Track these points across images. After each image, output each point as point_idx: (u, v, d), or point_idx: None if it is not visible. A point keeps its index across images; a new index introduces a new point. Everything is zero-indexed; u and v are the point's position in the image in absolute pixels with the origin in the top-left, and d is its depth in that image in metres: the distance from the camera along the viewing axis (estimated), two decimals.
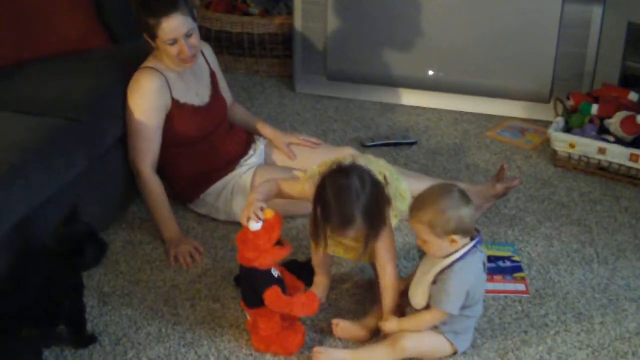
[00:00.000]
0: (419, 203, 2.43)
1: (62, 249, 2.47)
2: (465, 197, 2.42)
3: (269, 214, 2.49)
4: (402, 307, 2.59)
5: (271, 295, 2.48)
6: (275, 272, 2.55)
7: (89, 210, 2.75)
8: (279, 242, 2.51)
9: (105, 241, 2.60)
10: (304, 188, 2.59)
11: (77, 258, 2.49)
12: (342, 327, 2.60)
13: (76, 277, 2.56)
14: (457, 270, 2.40)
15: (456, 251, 2.41)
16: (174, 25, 2.95)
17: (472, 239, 2.44)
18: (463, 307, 2.44)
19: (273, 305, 2.49)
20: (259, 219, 2.46)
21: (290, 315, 2.55)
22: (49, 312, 2.47)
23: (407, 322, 2.50)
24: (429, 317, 2.47)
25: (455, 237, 2.38)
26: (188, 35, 2.99)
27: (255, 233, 2.46)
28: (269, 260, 2.50)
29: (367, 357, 2.51)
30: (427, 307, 2.46)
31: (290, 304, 2.50)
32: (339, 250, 2.69)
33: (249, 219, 2.46)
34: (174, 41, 2.97)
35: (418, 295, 2.48)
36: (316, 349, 2.52)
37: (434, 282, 2.43)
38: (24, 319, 2.39)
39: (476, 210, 2.87)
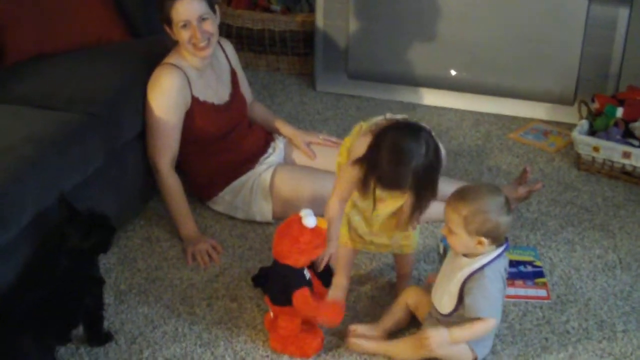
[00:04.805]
0: (463, 194, 2.38)
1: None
2: (508, 206, 2.37)
3: (323, 223, 2.48)
4: (422, 315, 2.58)
5: (300, 296, 2.46)
6: (307, 274, 2.53)
7: (106, 206, 2.74)
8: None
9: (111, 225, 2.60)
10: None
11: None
12: (359, 332, 2.58)
13: (96, 271, 2.56)
14: (490, 274, 2.37)
15: (483, 255, 2.38)
16: (187, 6, 2.92)
17: (499, 244, 2.41)
18: None
19: (300, 307, 2.47)
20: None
21: (311, 319, 2.53)
22: (67, 309, 2.46)
23: (459, 331, 2.41)
24: (482, 325, 2.39)
25: (484, 239, 2.35)
26: (202, 20, 2.96)
27: (302, 230, 2.43)
28: (304, 259, 2.47)
29: (393, 350, 2.51)
30: (455, 309, 2.42)
31: (317, 309, 2.48)
32: (370, 247, 2.72)
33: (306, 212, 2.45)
34: (186, 24, 2.94)
35: (444, 299, 2.44)
36: (352, 328, 2.55)
37: (462, 288, 2.39)
38: (40, 316, 2.37)
39: None
